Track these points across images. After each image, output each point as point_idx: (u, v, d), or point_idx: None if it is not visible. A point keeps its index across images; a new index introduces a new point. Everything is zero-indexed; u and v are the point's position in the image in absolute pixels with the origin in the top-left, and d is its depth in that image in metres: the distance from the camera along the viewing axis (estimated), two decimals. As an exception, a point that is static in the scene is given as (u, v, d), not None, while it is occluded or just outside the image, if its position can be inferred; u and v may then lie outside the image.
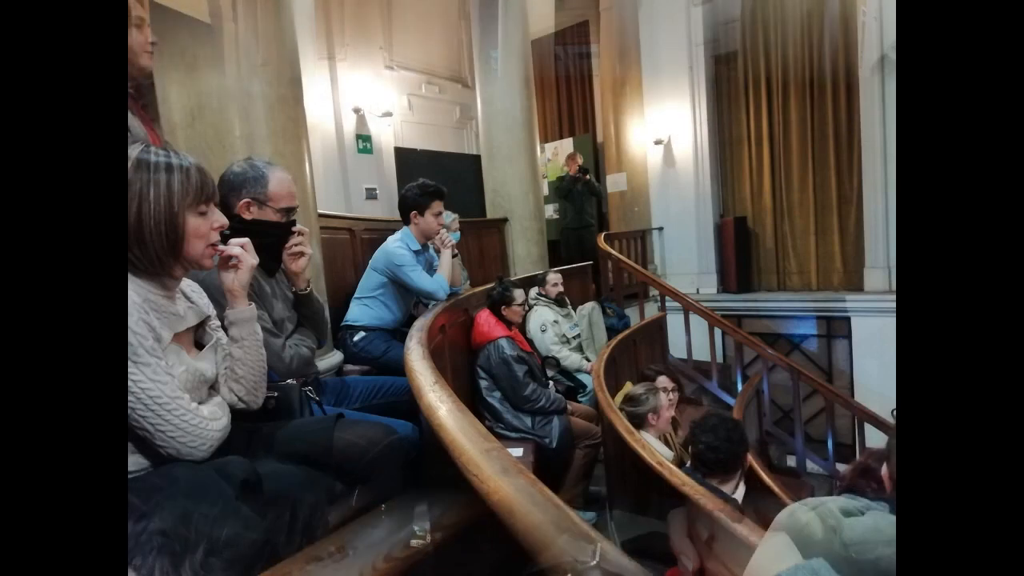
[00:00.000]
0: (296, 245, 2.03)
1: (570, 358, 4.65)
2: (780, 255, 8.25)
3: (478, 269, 5.53)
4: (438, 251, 3.53)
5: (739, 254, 8.15)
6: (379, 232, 4.15)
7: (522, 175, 6.22)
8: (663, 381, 4.24)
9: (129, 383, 1.15)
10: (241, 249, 1.49)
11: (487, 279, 4.62)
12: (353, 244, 4.12)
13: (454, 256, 3.66)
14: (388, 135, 7.79)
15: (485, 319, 3.81)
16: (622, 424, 3.05)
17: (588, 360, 4.78)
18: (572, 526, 0.86)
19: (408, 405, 1.96)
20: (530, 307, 4.56)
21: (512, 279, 4.43)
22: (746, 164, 8.36)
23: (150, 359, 1.20)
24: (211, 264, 1.41)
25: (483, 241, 5.96)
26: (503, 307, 3.84)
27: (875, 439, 5.89)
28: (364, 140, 7.46)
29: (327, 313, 2.57)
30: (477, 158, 7.03)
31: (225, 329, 1.53)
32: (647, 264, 8.41)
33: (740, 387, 6.18)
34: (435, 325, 2.86)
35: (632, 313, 6.71)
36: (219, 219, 1.40)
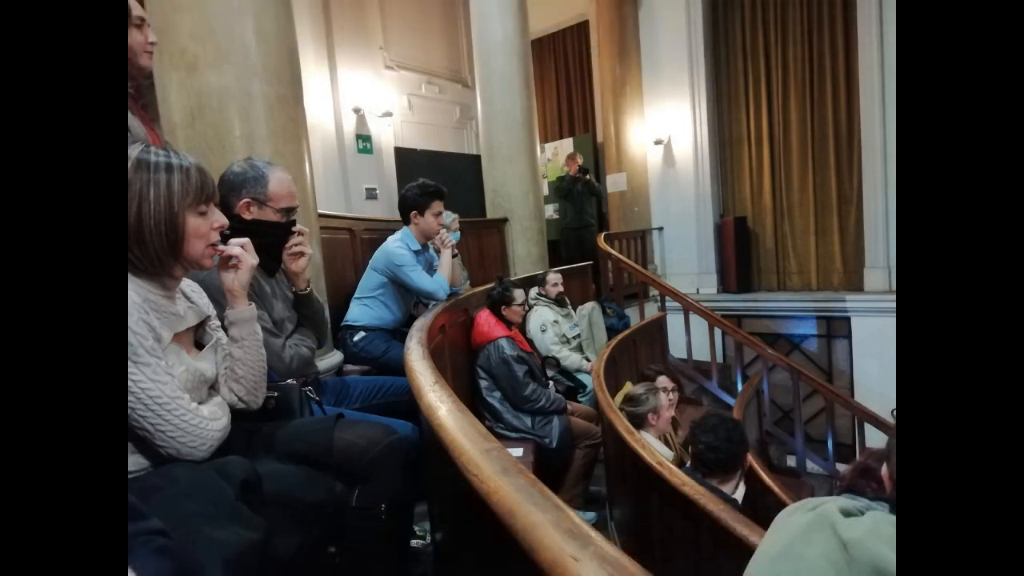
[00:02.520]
0: (296, 245, 2.03)
1: (570, 358, 4.64)
2: (780, 255, 8.26)
3: (478, 269, 5.53)
4: (438, 251, 3.53)
5: (739, 254, 8.16)
6: (379, 232, 4.15)
7: (522, 175, 6.21)
8: (663, 381, 4.25)
9: (129, 383, 1.15)
10: (241, 249, 1.49)
11: (487, 279, 4.62)
12: (353, 244, 4.12)
13: (454, 256, 3.66)
14: (388, 135, 7.80)
15: (485, 319, 3.81)
16: (622, 424, 3.05)
17: (588, 360, 4.77)
18: (572, 526, 0.85)
19: (408, 405, 1.96)
20: (530, 307, 4.56)
21: (512, 279, 4.43)
22: (746, 164, 8.37)
23: (150, 359, 1.20)
24: (211, 264, 1.41)
25: (483, 241, 5.95)
26: (503, 307, 3.84)
27: (875, 439, 5.90)
28: (364, 140, 7.47)
29: (327, 313, 2.57)
30: (477, 158, 7.03)
31: (225, 329, 1.53)
32: (647, 264, 8.42)
33: (740, 387, 6.19)
34: (435, 325, 2.86)
35: (632, 313, 6.71)
36: (219, 219, 1.40)
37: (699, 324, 6.48)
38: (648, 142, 8.76)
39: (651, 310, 7.20)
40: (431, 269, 3.50)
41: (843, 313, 7.32)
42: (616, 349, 4.68)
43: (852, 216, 7.62)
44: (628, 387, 4.02)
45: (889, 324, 6.80)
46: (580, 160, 8.42)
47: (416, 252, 3.43)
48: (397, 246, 3.37)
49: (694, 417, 3.12)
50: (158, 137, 2.11)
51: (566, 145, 9.90)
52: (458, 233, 4.38)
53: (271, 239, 1.96)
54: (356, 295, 3.43)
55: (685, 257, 8.65)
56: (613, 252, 7.04)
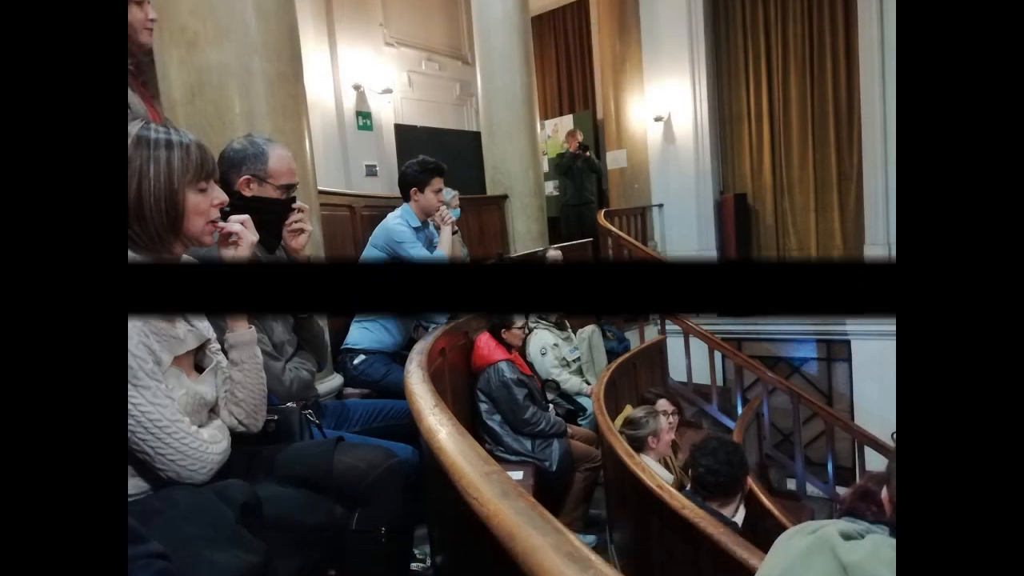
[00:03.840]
0: (296, 222, 2.01)
1: (570, 381, 4.60)
2: (780, 232, 8.22)
3: (478, 246, 5.52)
4: (438, 228, 3.51)
5: (739, 231, 8.08)
6: (379, 209, 4.13)
7: (522, 152, 6.20)
8: (663, 404, 4.16)
9: (129, 406, 1.15)
10: (241, 226, 1.49)
11: (487, 256, 4.61)
12: (353, 221, 4.13)
13: (454, 233, 3.65)
14: (388, 112, 7.74)
15: (485, 342, 3.78)
16: (622, 447, 3.05)
17: (588, 383, 4.73)
18: (572, 549, 0.86)
19: (408, 428, 1.96)
20: (530, 330, 4.52)
21: (512, 255, 4.39)
22: (746, 141, 8.30)
23: (150, 382, 1.19)
24: (211, 241, 1.42)
25: (483, 218, 5.95)
26: (503, 330, 3.81)
27: (875, 462, 5.77)
28: (364, 117, 7.42)
29: (327, 336, 2.55)
30: (477, 135, 7.02)
31: (225, 352, 1.52)
32: (647, 241, 8.35)
33: (740, 410, 6.08)
34: (435, 348, 2.83)
35: (632, 336, 6.60)
36: (219, 196, 1.40)
37: (699, 347, 6.33)
38: (648, 119, 8.64)
39: (651, 333, 7.05)
40: (431, 246, 3.48)
41: (843, 336, 7.19)
42: (616, 372, 4.65)
43: (852, 193, 7.58)
44: (628, 410, 3.99)
45: (889, 347, 6.66)
46: (580, 137, 8.36)
47: (416, 229, 3.41)
48: (397, 223, 3.36)
49: (694, 440, 3.13)
50: (158, 114, 2.12)
51: (566, 122, 9.79)
52: (458, 210, 4.37)
53: (271, 216, 1.94)
54: (356, 318, 3.39)
55: (685, 234, 8.55)
56: (613, 229, 6.97)
